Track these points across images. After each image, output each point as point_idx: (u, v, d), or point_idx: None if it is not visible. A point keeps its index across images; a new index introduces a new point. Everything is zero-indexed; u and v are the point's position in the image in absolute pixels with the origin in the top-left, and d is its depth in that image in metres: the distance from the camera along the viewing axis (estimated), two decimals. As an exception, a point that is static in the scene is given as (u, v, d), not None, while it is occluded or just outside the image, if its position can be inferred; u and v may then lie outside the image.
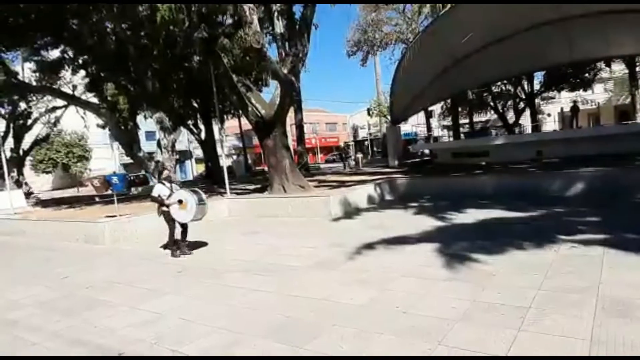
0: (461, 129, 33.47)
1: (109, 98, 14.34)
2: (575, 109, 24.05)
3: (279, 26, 12.37)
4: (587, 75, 27.35)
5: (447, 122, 39.95)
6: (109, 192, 11.03)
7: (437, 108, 39.55)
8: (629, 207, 7.89)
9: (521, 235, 6.22)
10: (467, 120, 34.51)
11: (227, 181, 12.98)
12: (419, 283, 4.70)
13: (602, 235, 5.87)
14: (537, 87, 30.06)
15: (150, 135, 27.62)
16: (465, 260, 5.29)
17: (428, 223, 7.91)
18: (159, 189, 7.20)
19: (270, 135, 12.12)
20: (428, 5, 22.21)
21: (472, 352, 3.06)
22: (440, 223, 7.85)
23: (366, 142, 50.43)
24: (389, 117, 23.87)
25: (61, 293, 5.76)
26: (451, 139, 34.66)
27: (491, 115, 37.91)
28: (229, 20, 11.91)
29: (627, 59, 24.92)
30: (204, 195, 7.36)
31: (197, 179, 30.53)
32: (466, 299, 4.06)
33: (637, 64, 26.55)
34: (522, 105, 31.23)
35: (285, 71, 11.38)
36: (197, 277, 5.94)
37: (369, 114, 38.65)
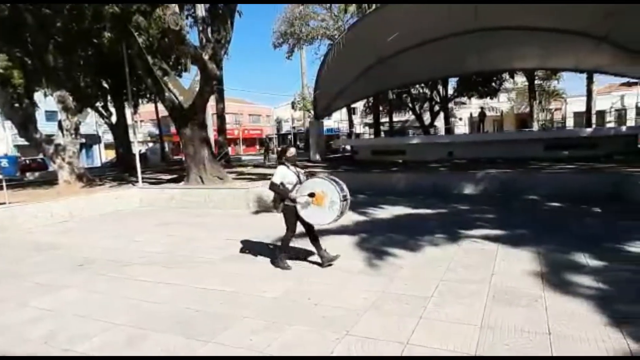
0: (381, 128, 34.82)
1: (0, 71, 12.63)
2: (482, 114, 26.14)
3: (201, 9, 11.81)
4: (493, 84, 29.86)
5: (369, 120, 41.33)
6: (-2, 176, 9.76)
7: (359, 106, 40.73)
8: (521, 206, 8.72)
9: (430, 231, 6.57)
10: (387, 119, 35.95)
11: (139, 169, 12.15)
12: (333, 275, 4.76)
13: (498, 231, 6.41)
14: (450, 92, 32.20)
15: (51, 115, 24.95)
16: (380, 253, 5.47)
17: (348, 217, 8.01)
18: (282, 174, 4.88)
19: (188, 123, 11.54)
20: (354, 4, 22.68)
21: (378, 340, 3.16)
22: (358, 217, 8.04)
23: (290, 136, 50.43)
24: (312, 112, 24.02)
25: None
26: (372, 136, 35.97)
27: (409, 116, 39.89)
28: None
29: (528, 72, 27.64)
30: (345, 187, 5.03)
31: (106, 166, 28.32)
32: (376, 291, 4.18)
33: (536, 77, 29.55)
34: (437, 108, 33.25)
35: (206, 57, 10.89)
36: (100, 270, 5.46)
37: (293, 107, 38.69)
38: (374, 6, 18.76)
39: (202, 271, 5.19)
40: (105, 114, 22.89)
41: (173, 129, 29.11)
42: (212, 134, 23.27)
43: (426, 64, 20.84)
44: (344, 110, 37.32)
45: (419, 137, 26.07)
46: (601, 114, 39.29)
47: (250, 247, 6.15)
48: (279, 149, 5.46)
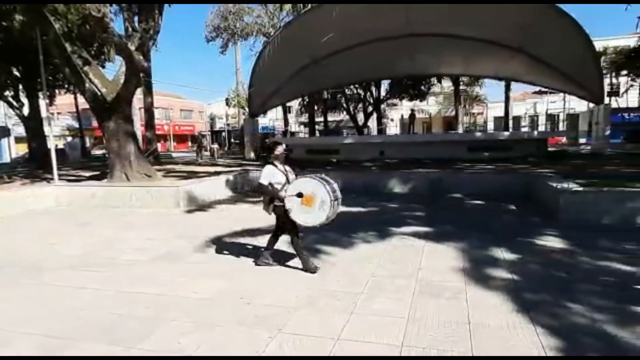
0: (316, 127, 35.15)
1: None
2: (412, 116, 27.33)
3: (128, -4, 11.12)
4: (422, 88, 31.33)
5: (304, 119, 41.56)
6: None
7: (295, 104, 40.79)
8: (447, 204, 9.24)
9: (362, 228, 6.74)
10: (322, 119, 36.38)
11: (55, 165, 11.19)
12: (266, 274, 4.72)
13: (425, 228, 6.74)
14: (383, 93, 33.30)
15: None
16: (313, 251, 5.49)
17: (279, 215, 8.02)
18: (270, 173, 4.66)
19: (112, 116, 10.82)
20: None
21: (309, 337, 3.18)
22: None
23: (223, 133, 49.28)
24: (247, 109, 23.64)
25: None
26: (307, 135, 36.20)
27: (344, 116, 40.68)
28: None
29: (454, 77, 29.35)
30: (336, 186, 4.75)
31: (17, 162, 25.75)
32: (309, 288, 4.22)
33: (461, 82, 31.44)
34: (370, 109, 34.21)
35: (133, 48, 10.29)
36: (12, 276, 4.94)
37: (227, 104, 37.78)
38: (309, 5, 18.88)
39: (127, 273, 4.90)
40: (16, 104, 20.75)
41: (95, 123, 27.20)
42: (139, 129, 22.02)
43: (359, 66, 21.37)
44: (280, 108, 37.19)
45: (352, 137, 26.69)
46: (517, 119, 42.87)
47: (180, 247, 5.92)
48: (267, 145, 5.01)
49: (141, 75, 11.69)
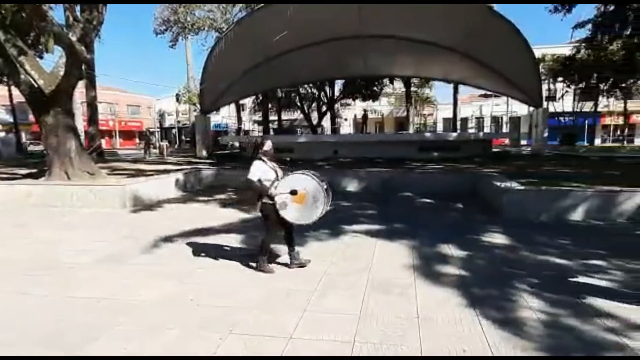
0: (270, 125, 34.90)
1: None
2: (364, 116, 27.78)
3: (69, -17, 10.47)
4: (375, 88, 31.92)
5: (258, 117, 41.10)
6: None
7: (248, 102, 40.26)
8: (398, 203, 9.46)
9: (316, 227, 6.73)
10: (276, 117, 36.16)
11: (-14, 162, 10.34)
12: (218, 274, 4.61)
13: (377, 226, 6.86)
14: (337, 93, 33.61)
15: None
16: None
17: (234, 215, 7.89)
18: (259, 170, 4.44)
19: (50, 111, 10.13)
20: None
21: (262, 336, 3.14)
22: (246, 215, 7.90)
23: (174, 130, 47.77)
24: (199, 106, 23.02)
25: None
26: (261, 133, 35.81)
27: (298, 115, 40.67)
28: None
29: (405, 79, 30.13)
30: (326, 182, 4.61)
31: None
32: (262, 287, 4.17)
33: (412, 84, 32.33)
34: (324, 108, 34.42)
35: (74, 38, 9.71)
36: None
37: (178, 100, 36.59)
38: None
39: (69, 277, 4.60)
40: (-60, 95, 19.01)
41: (32, 117, 25.52)
42: (81, 124, 20.83)
43: (313, 65, 21.46)
44: (233, 106, 36.57)
45: (307, 136, 26.73)
46: (465, 120, 44.80)
47: (126, 248, 5.65)
48: (255, 141, 4.77)
49: (83, 67, 11.06)
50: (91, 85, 20.71)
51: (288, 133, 37.53)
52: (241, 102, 36.34)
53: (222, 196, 10.18)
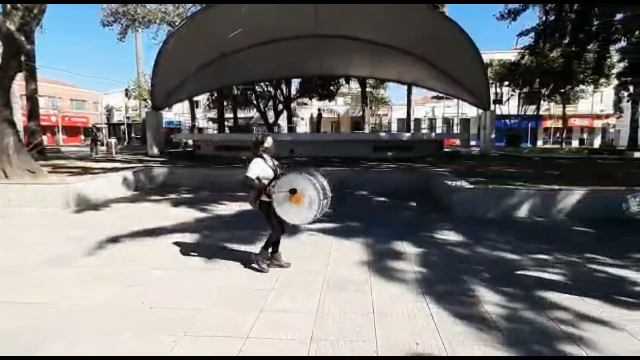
0: (226, 123, 34.22)
1: None
2: (319, 116, 27.90)
3: (6, -33, 9.77)
4: (332, 88, 32.14)
5: (213, 114, 40.23)
6: None
7: (203, 99, 39.31)
8: (353, 202, 9.56)
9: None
10: (232, 115, 35.53)
11: None
12: (171, 275, 4.46)
13: (333, 224, 6.90)
14: (293, 92, 33.53)
15: None
16: (222, 250, 5.35)
17: (187, 214, 7.68)
18: (259, 167, 4.38)
19: (-15, 103, 9.42)
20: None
21: (217, 337, 3.08)
22: (200, 214, 7.72)
23: (122, 127, 45.74)
24: (150, 102, 22.20)
25: None
26: (215, 131, 35.10)
27: (254, 113, 40.18)
28: None
29: (361, 79, 30.56)
30: (326, 183, 4.58)
31: None
32: (217, 287, 4.09)
33: (367, 85, 32.83)
34: (281, 107, 34.23)
35: (13, 28, 9.07)
36: None
37: (127, 95, 35.12)
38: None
39: (8, 281, 4.29)
40: None
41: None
42: (20, 119, 19.48)
43: (270, 63, 21.30)
44: (186, 102, 35.60)
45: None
46: (418, 121, 46.11)
47: (71, 250, 5.35)
48: (255, 138, 4.57)
49: (23, 58, 10.35)
50: (31, 77, 19.43)
51: (244, 131, 37.02)
52: (195, 98, 35.42)
53: (175, 196, 9.87)
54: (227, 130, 33.44)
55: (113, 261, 4.95)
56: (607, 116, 42.20)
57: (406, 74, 22.67)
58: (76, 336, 3.13)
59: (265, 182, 4.37)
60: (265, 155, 4.48)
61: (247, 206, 8.38)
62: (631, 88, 24.20)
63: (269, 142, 4.50)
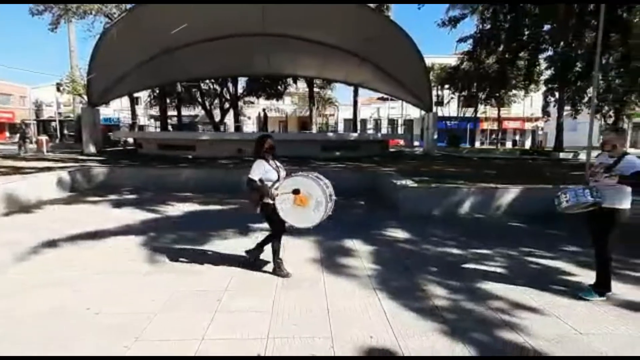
0: (169, 121, 33.04)
1: None
2: (264, 116, 27.68)
3: None
4: (279, 87, 32.01)
5: (155, 111, 38.68)
6: None
7: (144, 95, 37.69)
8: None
9: (222, 226, 6.59)
10: (175, 113, 34.36)
11: None
12: (118, 279, 4.27)
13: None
14: (240, 90, 33.00)
15: None
16: (170, 252, 5.18)
17: (131, 216, 7.35)
18: (261, 168, 4.25)
19: None
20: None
21: (171, 341, 3.01)
22: (145, 216, 7.42)
23: (54, 123, 42.74)
24: (86, 97, 20.93)
25: None
26: (158, 129, 33.79)
27: (200, 111, 39.11)
28: None
29: (308, 79, 30.69)
30: (330, 185, 4.40)
31: None
32: (168, 290, 3.97)
33: (315, 85, 33.04)
34: (227, 105, 33.57)
35: None
36: None
37: (59, 90, 32.82)
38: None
39: None
40: None
41: None
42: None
43: (215, 61, 20.84)
44: (126, 99, 33.90)
45: (209, 133, 25.83)
46: (364, 121, 47.11)
47: (4, 256, 4.94)
48: (257, 139, 4.43)
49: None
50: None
51: (188, 130, 35.95)
52: (136, 95, 33.89)
53: (116, 197, 9.41)
54: (170, 128, 32.32)
55: (52, 267, 4.64)
56: (537, 119, 45.40)
57: (353, 76, 23.08)
58: (11, 348, 2.92)
59: (268, 184, 4.27)
60: (267, 156, 4.39)
61: (194, 207, 8.28)
62: (557, 94, 26.21)
63: (269, 142, 4.43)
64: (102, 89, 19.02)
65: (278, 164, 4.52)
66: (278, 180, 4.30)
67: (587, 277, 4.29)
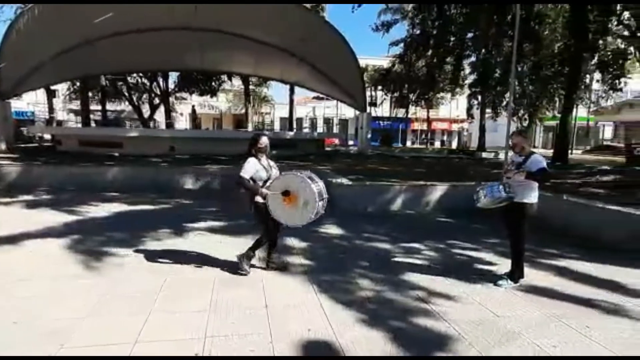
0: (92, 116, 30.89)
1: None
2: (194, 112, 26.94)
3: None
4: (213, 84, 31.22)
5: (76, 106, 35.98)
6: None
7: (63, 88, 34.93)
8: (240, 199, 9.50)
9: (154, 226, 6.34)
10: (99, 108, 32.21)
11: None
12: (40, 285, 3.96)
13: (220, 222, 6.84)
14: (172, 86, 31.72)
15: None
16: (98, 254, 4.90)
17: (52, 218, 6.81)
18: (253, 167, 4.20)
19: None
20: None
21: (100, 345, 2.87)
22: (68, 217, 6.91)
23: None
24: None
25: None
26: (79, 125, 31.51)
27: (126, 106, 37.02)
28: None
29: (244, 77, 30.25)
30: (322, 184, 4.26)
31: None
32: (97, 294, 3.77)
33: (250, 82, 32.62)
34: (157, 101, 32.12)
35: None
36: None
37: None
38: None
39: None
40: None
41: None
42: None
43: (144, 54, 19.91)
44: (42, 91, 31.21)
45: (138, 130, 24.61)
46: (300, 120, 47.31)
47: None
48: (250, 137, 4.31)
49: None
50: None
51: (114, 125, 33.86)
52: (54, 87, 31.31)
53: (32, 197, 8.67)
54: (93, 123, 30.29)
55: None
56: (462, 121, 48.43)
57: (289, 74, 23.14)
58: None
59: (260, 183, 4.24)
60: (259, 155, 4.32)
61: (122, 207, 7.88)
62: (479, 97, 28.17)
63: (263, 141, 4.34)
64: (14, 80, 17.42)
65: (271, 163, 4.48)
66: (269, 179, 4.29)
67: (504, 266, 4.69)
